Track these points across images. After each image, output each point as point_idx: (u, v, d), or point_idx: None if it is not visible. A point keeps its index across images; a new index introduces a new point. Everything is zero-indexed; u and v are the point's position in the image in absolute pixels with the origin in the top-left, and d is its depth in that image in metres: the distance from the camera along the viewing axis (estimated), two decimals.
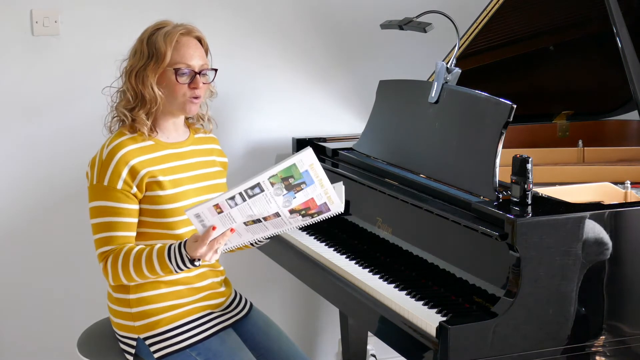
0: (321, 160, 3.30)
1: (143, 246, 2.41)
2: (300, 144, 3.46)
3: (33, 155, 3.34)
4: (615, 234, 2.36)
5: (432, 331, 2.30)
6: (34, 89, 3.30)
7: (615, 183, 2.70)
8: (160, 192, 2.47)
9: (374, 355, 3.69)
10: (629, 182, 2.65)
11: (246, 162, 3.57)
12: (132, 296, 2.49)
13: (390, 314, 2.50)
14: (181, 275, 2.50)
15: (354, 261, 2.86)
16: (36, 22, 3.26)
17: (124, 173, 2.42)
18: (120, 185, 2.42)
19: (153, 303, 2.49)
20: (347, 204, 3.11)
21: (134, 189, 2.43)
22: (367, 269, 2.78)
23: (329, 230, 3.19)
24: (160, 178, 2.47)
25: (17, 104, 3.30)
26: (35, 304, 3.42)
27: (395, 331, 2.47)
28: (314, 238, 3.12)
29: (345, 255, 2.92)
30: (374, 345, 3.67)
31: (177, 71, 2.47)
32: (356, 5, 3.64)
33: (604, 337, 2.39)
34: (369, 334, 3.54)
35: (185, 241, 2.33)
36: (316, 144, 3.42)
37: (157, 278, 2.43)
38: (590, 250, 2.33)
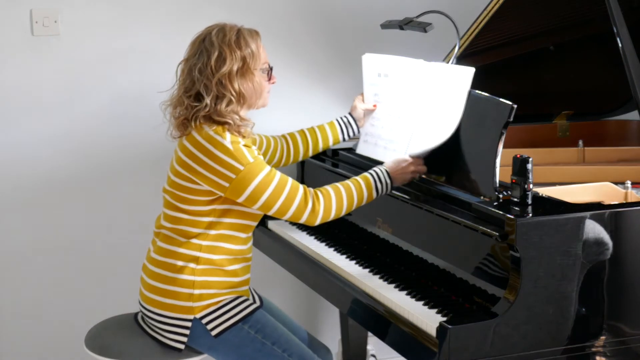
0: (321, 160, 3.31)
1: (341, 182, 2.65)
2: None
3: (33, 155, 3.34)
4: (615, 234, 2.36)
5: (432, 331, 2.30)
6: (34, 89, 3.30)
7: (616, 183, 2.70)
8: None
9: (374, 355, 3.68)
10: (629, 182, 2.64)
11: None
12: (198, 278, 2.57)
13: (390, 314, 2.50)
14: (237, 266, 2.63)
15: (354, 261, 2.86)
16: (36, 22, 3.26)
17: (251, 150, 2.54)
18: (257, 153, 2.55)
19: (214, 288, 2.59)
20: None
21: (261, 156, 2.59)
22: (367, 269, 2.78)
23: (329, 230, 3.19)
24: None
25: (17, 103, 3.30)
26: (42, 300, 3.43)
27: (395, 331, 2.47)
28: (314, 238, 3.12)
29: (345, 255, 2.92)
30: (374, 345, 3.67)
31: (271, 69, 2.66)
32: (356, 5, 3.64)
33: (604, 337, 2.39)
34: (369, 334, 3.54)
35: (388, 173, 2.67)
36: None
37: (358, 205, 2.64)
38: (590, 250, 2.33)
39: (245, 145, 2.53)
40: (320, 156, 3.34)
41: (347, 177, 3.02)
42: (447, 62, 2.93)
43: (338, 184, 2.63)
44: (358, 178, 2.65)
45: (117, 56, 3.36)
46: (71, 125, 3.36)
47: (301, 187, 2.57)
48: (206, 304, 2.58)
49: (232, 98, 2.55)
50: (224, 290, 2.61)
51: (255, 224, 2.67)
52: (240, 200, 2.53)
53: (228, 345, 2.60)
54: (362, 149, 3.00)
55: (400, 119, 2.89)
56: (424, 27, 2.96)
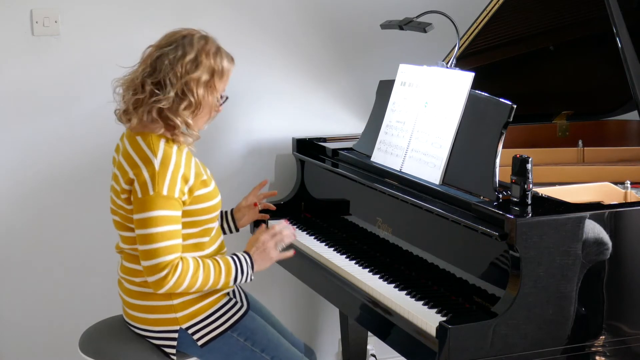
0: (321, 160, 3.31)
1: (207, 260, 2.53)
2: (300, 144, 3.46)
3: (33, 155, 3.34)
4: (615, 234, 2.37)
5: (432, 331, 2.30)
6: (34, 89, 3.30)
7: (615, 183, 2.70)
8: (206, 190, 2.56)
9: (374, 355, 3.69)
10: (629, 182, 2.65)
11: (246, 162, 3.57)
12: None
13: (390, 313, 2.51)
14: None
15: (354, 261, 2.86)
16: (36, 22, 3.26)
17: (179, 182, 2.48)
18: (177, 194, 2.47)
19: (192, 294, 2.55)
20: (347, 203, 3.12)
21: (185, 196, 2.50)
22: (367, 269, 2.78)
23: (329, 230, 3.19)
24: (204, 177, 2.57)
25: (17, 103, 3.30)
26: (36, 303, 3.42)
27: (394, 331, 2.47)
28: (314, 238, 3.12)
29: (345, 255, 2.92)
30: (374, 345, 3.67)
31: (225, 99, 2.62)
32: (356, 5, 3.64)
33: (604, 337, 2.39)
34: (369, 334, 3.54)
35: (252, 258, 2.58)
36: (316, 144, 3.43)
37: (211, 289, 2.54)
38: (590, 250, 2.34)
39: (175, 177, 2.45)
40: (320, 156, 3.34)
41: (347, 177, 3.04)
42: (447, 62, 2.93)
43: (204, 265, 2.50)
44: (222, 266, 2.53)
45: (117, 56, 3.35)
46: (71, 125, 3.35)
47: (177, 254, 2.45)
48: (191, 312, 2.55)
49: (192, 102, 2.52)
50: (202, 292, 2.56)
51: (214, 224, 2.61)
52: (134, 217, 2.47)
53: (217, 353, 2.58)
54: (376, 157, 3.02)
55: (405, 124, 2.90)
56: (424, 27, 2.96)
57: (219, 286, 2.53)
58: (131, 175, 2.47)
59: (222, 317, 2.58)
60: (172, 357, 2.58)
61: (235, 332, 2.58)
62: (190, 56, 2.52)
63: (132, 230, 2.53)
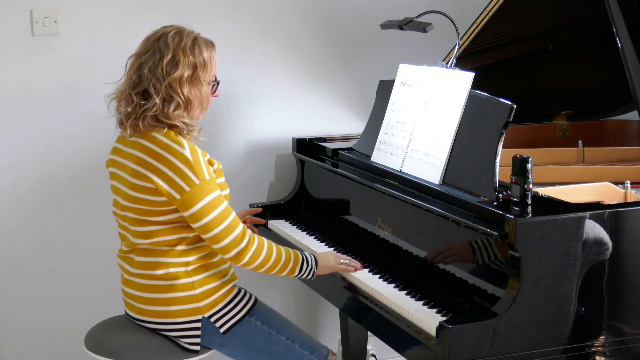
0: (321, 160, 3.31)
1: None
2: (300, 144, 3.46)
3: (33, 155, 3.34)
4: (615, 234, 2.37)
5: (432, 331, 2.30)
6: (34, 89, 3.30)
7: (615, 183, 2.70)
8: (222, 179, 2.65)
9: (374, 355, 3.68)
10: (629, 182, 2.65)
11: (246, 162, 3.57)
12: (194, 278, 2.59)
13: (390, 313, 2.51)
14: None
15: None
16: (36, 22, 3.26)
17: (209, 165, 2.56)
18: (213, 175, 2.57)
19: (211, 282, 2.62)
20: (347, 203, 3.12)
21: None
22: (367, 269, 2.78)
23: (329, 230, 3.19)
24: (219, 167, 2.66)
25: (17, 103, 3.30)
26: (36, 303, 3.42)
27: (395, 331, 2.47)
28: (314, 238, 3.12)
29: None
30: (374, 345, 3.67)
31: (217, 84, 2.66)
32: (356, 5, 3.64)
33: (604, 337, 2.39)
34: (369, 334, 3.54)
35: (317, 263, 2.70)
36: (316, 144, 3.42)
37: (278, 272, 2.65)
38: (590, 250, 2.34)
39: (205, 161, 2.54)
40: (320, 156, 3.34)
41: (347, 177, 3.04)
42: (447, 62, 2.94)
43: (276, 244, 2.64)
44: (291, 251, 2.66)
45: (117, 56, 3.35)
46: (71, 125, 3.35)
47: (241, 224, 2.57)
48: (212, 301, 2.60)
49: (181, 102, 2.55)
50: (220, 280, 2.63)
51: None
52: (186, 214, 2.52)
53: (238, 339, 2.64)
54: (376, 157, 3.02)
55: (405, 124, 2.90)
56: (423, 27, 2.96)
57: (285, 271, 2.64)
58: (164, 169, 2.50)
59: (239, 303, 2.65)
60: (194, 347, 2.61)
61: (252, 317, 2.65)
62: (167, 57, 2.55)
63: (150, 223, 2.56)
